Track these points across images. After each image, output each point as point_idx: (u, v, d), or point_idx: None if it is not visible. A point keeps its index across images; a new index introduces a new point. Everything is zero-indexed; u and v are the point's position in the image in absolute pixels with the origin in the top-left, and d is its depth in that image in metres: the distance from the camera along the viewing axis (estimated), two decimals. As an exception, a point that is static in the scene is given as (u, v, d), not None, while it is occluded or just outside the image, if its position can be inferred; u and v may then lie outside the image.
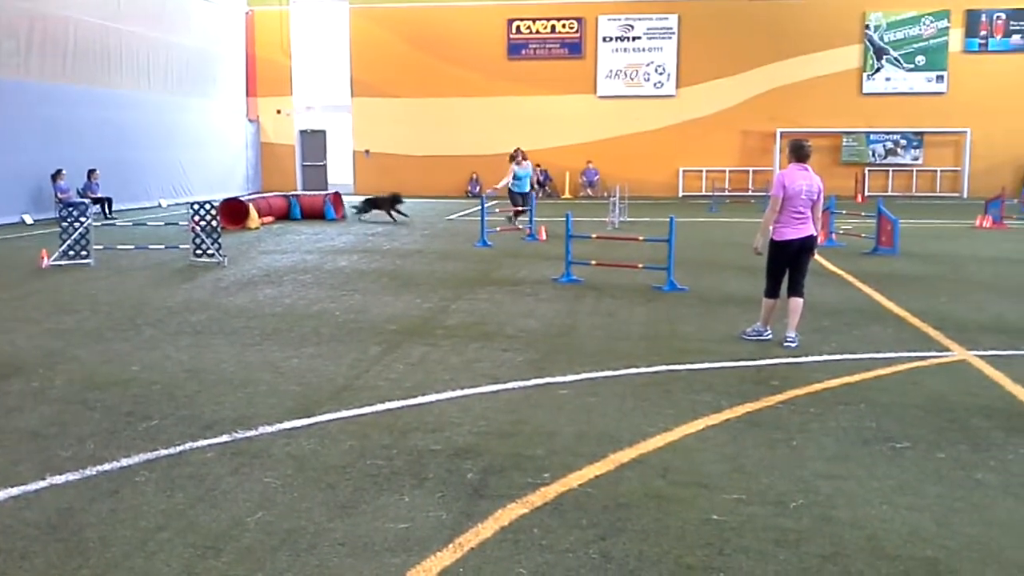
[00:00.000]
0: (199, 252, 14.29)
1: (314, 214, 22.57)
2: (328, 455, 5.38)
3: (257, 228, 20.14)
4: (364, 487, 4.88)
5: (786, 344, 8.21)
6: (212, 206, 14.51)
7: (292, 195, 23.80)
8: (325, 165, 34.92)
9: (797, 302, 8.34)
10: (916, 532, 4.33)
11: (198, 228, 14.21)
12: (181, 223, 15.66)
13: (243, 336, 8.82)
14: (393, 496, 4.76)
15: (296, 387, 6.91)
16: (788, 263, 8.32)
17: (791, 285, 8.36)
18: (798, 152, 8.35)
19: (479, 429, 5.86)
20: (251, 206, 20.58)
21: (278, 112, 34.41)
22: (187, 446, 5.53)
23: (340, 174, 34.57)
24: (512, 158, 19.31)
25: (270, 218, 21.64)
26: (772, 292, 8.41)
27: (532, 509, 4.58)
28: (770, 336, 8.46)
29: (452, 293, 11.35)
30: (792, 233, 8.21)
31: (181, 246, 14.80)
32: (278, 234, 18.92)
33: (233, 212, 20.15)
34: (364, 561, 4.03)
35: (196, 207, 14.44)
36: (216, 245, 14.22)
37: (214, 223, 14.32)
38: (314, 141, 34.94)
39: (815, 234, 8.32)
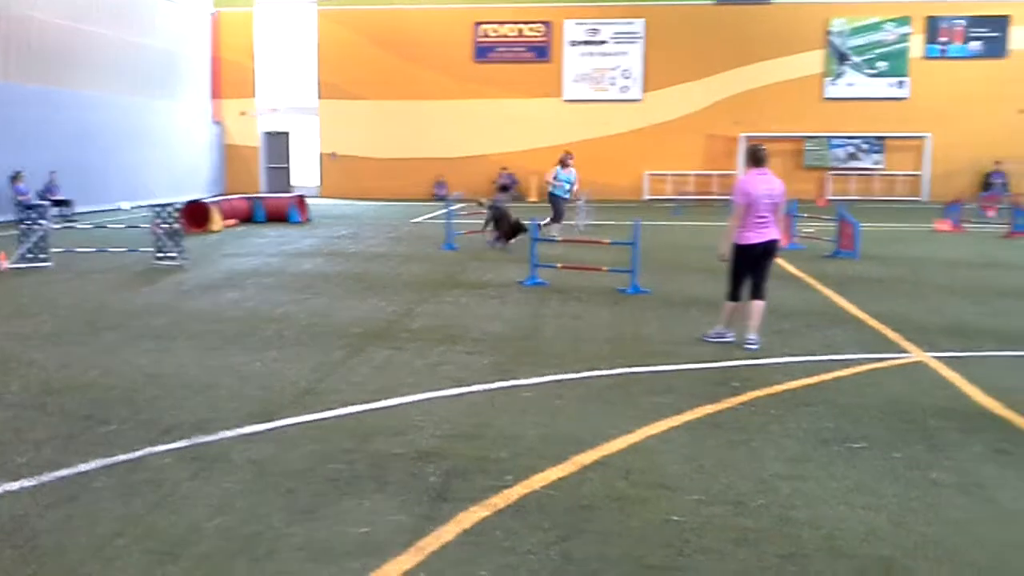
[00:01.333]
0: (161, 255, 14.14)
1: (278, 217, 22.42)
2: (289, 460, 5.34)
3: (220, 231, 19.97)
4: (324, 492, 4.86)
5: (747, 346, 8.28)
6: (175, 208, 14.36)
7: (256, 197, 23.63)
8: (288, 168, 34.71)
9: (758, 305, 8.42)
10: (873, 531, 4.39)
11: (160, 231, 14.06)
12: (143, 225, 15.49)
13: (204, 340, 8.74)
14: (354, 500, 4.74)
15: (257, 391, 6.86)
16: (750, 266, 8.39)
17: (753, 288, 8.44)
18: (755, 157, 8.44)
19: (442, 432, 5.85)
20: (214, 208, 20.40)
21: (241, 114, 34.15)
22: (146, 451, 5.47)
23: (305, 176, 34.38)
24: (562, 162, 18.34)
25: (233, 221, 21.46)
26: (734, 295, 8.49)
27: (494, 511, 4.59)
28: (732, 338, 8.54)
29: (417, 296, 11.33)
30: (755, 237, 8.29)
31: (143, 249, 14.64)
32: (241, 237, 18.77)
33: (196, 214, 19.95)
34: (323, 566, 4.01)
35: (158, 209, 14.28)
36: (178, 248, 14.08)
37: (176, 226, 14.18)
38: (278, 143, 34.73)
39: (777, 238, 8.40)
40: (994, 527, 4.45)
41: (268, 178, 34.66)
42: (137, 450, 5.48)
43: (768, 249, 8.35)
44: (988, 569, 4.00)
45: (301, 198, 23.39)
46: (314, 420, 6.13)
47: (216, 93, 33.99)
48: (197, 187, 31.42)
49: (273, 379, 7.23)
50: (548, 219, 18.04)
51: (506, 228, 16.30)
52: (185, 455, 5.42)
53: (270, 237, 18.72)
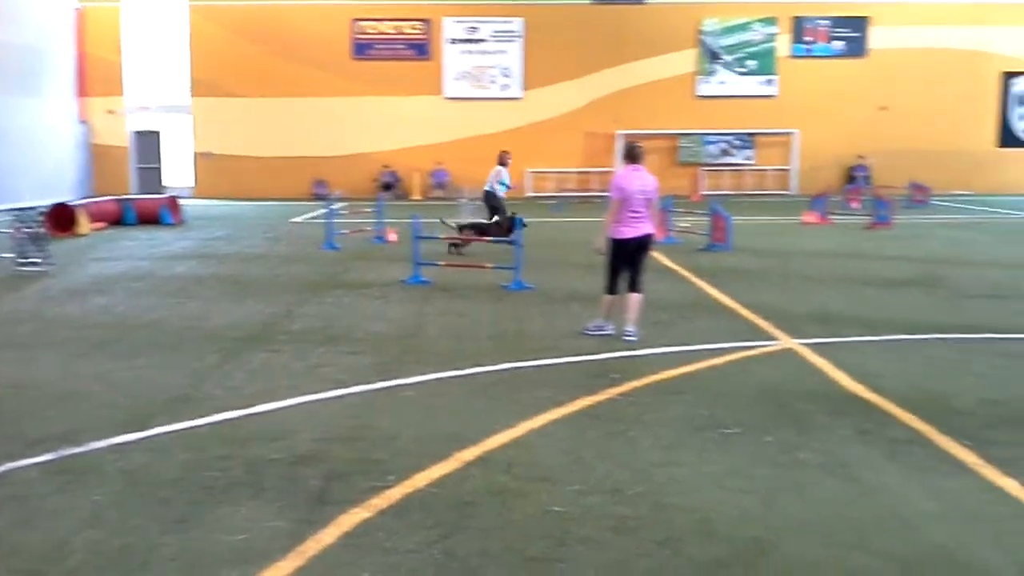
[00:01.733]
0: (23, 261, 13.46)
1: (149, 219, 21.63)
2: (161, 469, 5.17)
3: (88, 234, 19.16)
4: (200, 500, 4.73)
5: (626, 338, 8.46)
6: (39, 212, 13.69)
7: (126, 199, 22.74)
8: (160, 168, 33.54)
9: (636, 298, 8.61)
10: (745, 513, 4.55)
11: (22, 235, 13.39)
12: (4, 230, 14.72)
13: (71, 347, 8.38)
14: (230, 508, 4.62)
15: (128, 399, 6.62)
16: (626, 260, 8.57)
17: (630, 282, 8.62)
18: (631, 154, 8.65)
19: (322, 435, 5.77)
20: (81, 211, 19.55)
21: (109, 112, 32.82)
22: (9, 466, 5.21)
23: (178, 176, 33.28)
24: (502, 161, 17.91)
25: (102, 224, 20.60)
26: (612, 288, 8.65)
27: (376, 513, 4.55)
28: (611, 331, 8.70)
29: (296, 297, 11.13)
30: (630, 232, 8.47)
31: (4, 255, 13.91)
32: (110, 240, 18.05)
33: (61, 218, 19.08)
34: (199, 575, 3.90)
35: (18, 213, 13.60)
36: (43, 253, 13.44)
37: (41, 230, 13.53)
38: (148, 143, 33.50)
39: (651, 232, 8.60)
40: (858, 504, 4.67)
41: (138, 179, 33.40)
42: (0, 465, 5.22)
43: (643, 243, 8.54)
44: (853, 545, 4.20)
45: (174, 199, 22.64)
46: (188, 428, 5.95)
47: (82, 91, 32.53)
48: (63, 189, 29.99)
49: (144, 386, 6.98)
50: (495, 219, 17.31)
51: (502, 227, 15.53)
52: (52, 468, 5.18)
53: (141, 240, 18.06)
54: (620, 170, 8.69)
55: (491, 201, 17.79)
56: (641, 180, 8.46)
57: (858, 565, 3.99)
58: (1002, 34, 32.44)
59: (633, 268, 8.61)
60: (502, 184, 17.91)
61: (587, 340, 8.57)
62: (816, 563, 4.01)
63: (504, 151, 18.46)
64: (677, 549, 4.14)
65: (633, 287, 8.62)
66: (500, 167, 18.04)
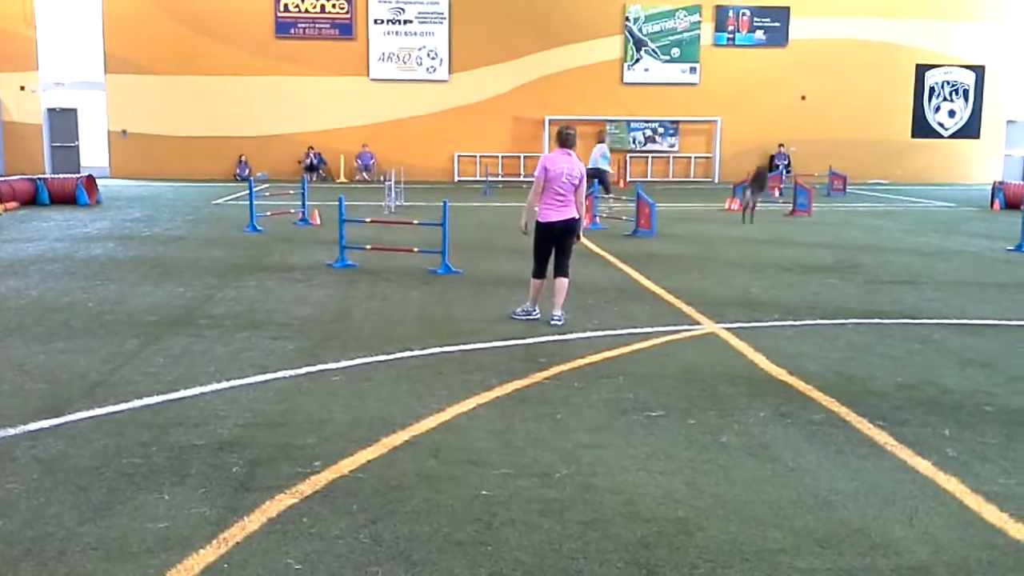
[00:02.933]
0: (-71, 241, 12.94)
1: (65, 199, 20.97)
2: (79, 456, 5.03)
3: (-1, 215, 18.50)
4: (119, 488, 4.62)
5: (553, 322, 8.51)
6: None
7: (39, 178, 21.98)
8: (77, 146, 32.49)
9: (562, 282, 8.66)
10: (669, 495, 4.63)
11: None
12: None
13: (-19, 332, 8.09)
14: (152, 495, 4.53)
15: (43, 385, 6.42)
16: (552, 244, 8.61)
17: (556, 266, 8.67)
18: (561, 139, 8.68)
19: (246, 421, 5.68)
20: (-9, 191, 18.85)
21: (22, 88, 31.63)
22: (-87, 455, 5.01)
23: (95, 156, 32.27)
24: (601, 139, 21.50)
25: (14, 204, 19.90)
26: (539, 272, 8.69)
27: (302, 499, 4.50)
28: (538, 316, 8.74)
29: (218, 281, 10.92)
30: (555, 215, 8.51)
31: (-93, 235, 13.35)
32: (23, 221, 17.44)
33: (-30, 197, 18.39)
34: (119, 564, 3.82)
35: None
36: (-51, 233, 12.93)
37: (-54, 209, 13.01)
38: (64, 120, 32.40)
39: (576, 216, 8.65)
40: (778, 485, 4.78)
41: (53, 158, 32.31)
42: (-98, 454, 5.01)
43: (568, 227, 8.59)
44: (772, 524, 4.30)
45: (90, 178, 21.98)
46: (107, 414, 5.80)
47: (-10, 65, 31.29)
48: (-29, 167, 28.91)
49: (60, 372, 6.78)
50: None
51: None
52: (-40, 457, 5.00)
53: (56, 220, 17.50)
54: (550, 153, 8.71)
55: (601, 176, 20.61)
56: (568, 164, 8.50)
57: (777, 543, 4.10)
58: (916, 27, 33.41)
59: (560, 252, 8.65)
60: (604, 158, 21.01)
61: (515, 324, 8.60)
62: (737, 541, 4.10)
63: (601, 129, 20.72)
64: (603, 531, 4.19)
65: (560, 271, 8.67)
66: (601, 144, 21.18)
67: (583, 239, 9.02)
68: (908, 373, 7.04)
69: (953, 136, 34.53)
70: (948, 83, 34.14)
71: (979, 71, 34.17)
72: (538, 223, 8.58)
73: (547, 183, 8.44)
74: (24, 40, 31.40)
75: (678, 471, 4.95)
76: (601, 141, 21.66)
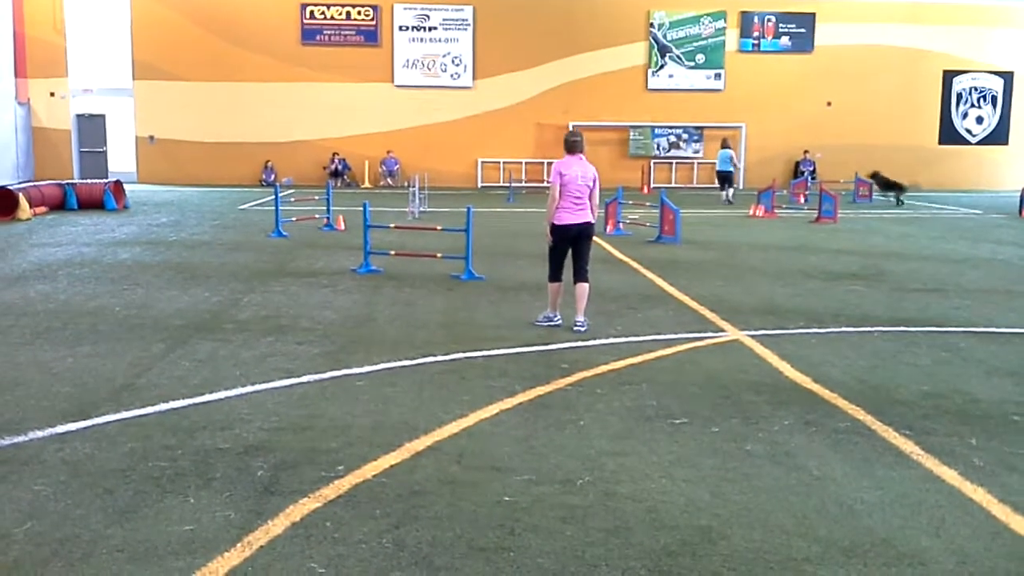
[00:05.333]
0: (-40, 245, 13.12)
1: (92, 204, 21.20)
2: (106, 459, 5.09)
3: (28, 219, 18.71)
4: (145, 490, 4.66)
5: (576, 328, 8.51)
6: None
7: (68, 183, 22.24)
8: (105, 152, 32.84)
9: (583, 287, 8.67)
10: (692, 502, 4.61)
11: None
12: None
13: (11, 335, 8.19)
14: (177, 498, 4.57)
15: (71, 388, 6.50)
16: (568, 246, 8.64)
17: (576, 271, 8.69)
18: (568, 146, 8.72)
19: (271, 425, 5.72)
20: (21, 195, 19.08)
21: (51, 95, 32.02)
22: (-56, 456, 5.08)
23: (122, 161, 32.60)
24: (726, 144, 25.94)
25: (43, 208, 20.15)
26: (555, 276, 8.74)
27: (325, 503, 4.53)
28: (560, 321, 8.74)
29: (244, 286, 11.00)
30: (570, 218, 8.55)
31: (-61, 239, 13.55)
32: (52, 225, 17.66)
33: (1, 202, 18.62)
34: (145, 567, 3.85)
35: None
36: (-20, 238, 13.11)
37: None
38: (93, 126, 32.76)
39: (592, 220, 8.69)
40: (802, 493, 4.75)
41: (82, 163, 32.67)
42: (-66, 456, 5.08)
43: (584, 231, 8.63)
44: (796, 533, 4.28)
45: (118, 183, 22.21)
46: (133, 417, 5.86)
47: (20, 72, 31.68)
48: (2, 173, 29.28)
49: (88, 375, 6.85)
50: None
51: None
52: (-11, 459, 5.07)
53: (84, 225, 17.70)
54: (561, 160, 8.72)
55: (728, 178, 25.48)
56: (582, 168, 8.55)
57: (801, 552, 4.07)
58: (943, 33, 33.15)
59: (577, 257, 8.68)
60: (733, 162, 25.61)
61: (537, 330, 8.60)
62: (761, 550, 4.08)
63: (726, 136, 26.46)
64: (626, 538, 4.19)
65: (580, 277, 8.67)
66: (729, 150, 25.56)
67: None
68: (934, 382, 6.97)
69: (981, 143, 34.21)
70: (976, 89, 33.83)
71: (1007, 77, 33.85)
72: (554, 225, 8.60)
73: (563, 187, 8.48)
74: (54, 47, 31.79)
75: (702, 479, 4.93)
76: (726, 147, 25.99)
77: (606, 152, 32.58)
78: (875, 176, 26.07)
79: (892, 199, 25.64)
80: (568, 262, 8.70)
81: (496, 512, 4.44)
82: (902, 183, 25.47)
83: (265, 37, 31.73)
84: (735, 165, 26.34)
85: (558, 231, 8.58)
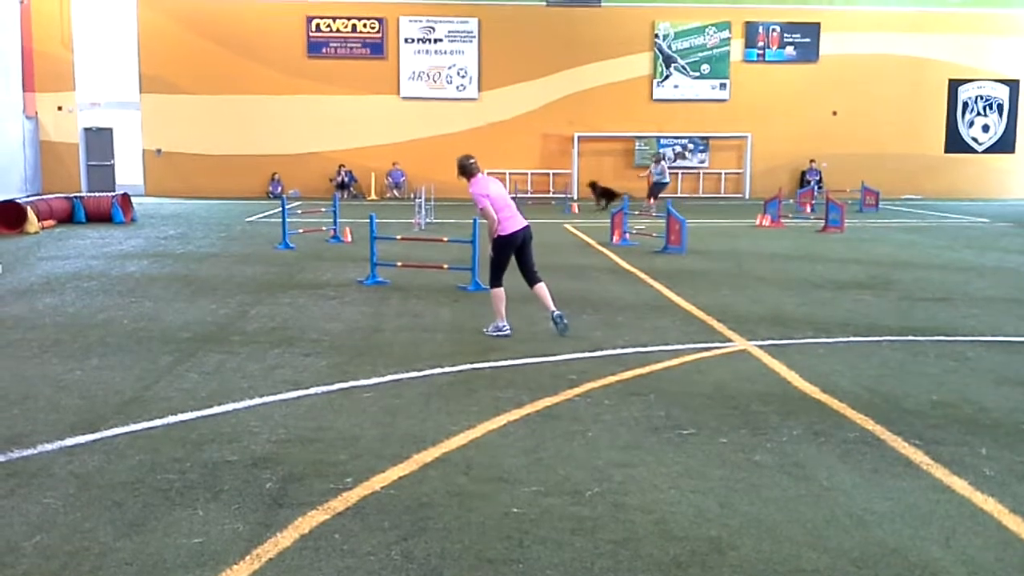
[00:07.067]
0: (-31, 259, 13.18)
1: (100, 217, 21.29)
2: (114, 471, 5.09)
3: (36, 232, 18.80)
4: (154, 503, 4.66)
5: (557, 322, 8.78)
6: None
7: (76, 197, 22.34)
8: (113, 165, 32.99)
9: (541, 287, 9.06)
10: (701, 513, 4.60)
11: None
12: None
13: (20, 348, 8.21)
14: (186, 511, 4.57)
15: (79, 401, 6.51)
16: (512, 253, 8.95)
17: (529, 276, 9.09)
18: (471, 168, 9.09)
19: (279, 437, 5.72)
20: (29, 209, 19.17)
21: (59, 109, 32.18)
22: (-47, 470, 5.10)
23: (130, 174, 32.75)
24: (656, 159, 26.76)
25: (51, 222, 20.24)
26: (499, 281, 8.96)
27: (333, 515, 4.53)
28: (509, 332, 8.85)
29: (251, 298, 11.02)
30: (514, 226, 8.92)
31: (-53, 253, 13.60)
32: (60, 239, 17.72)
33: (9, 215, 18.72)
34: (154, 580, 3.85)
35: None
36: (-12, 251, 13.16)
37: (-14, 227, 13.25)
38: (100, 139, 32.94)
39: (529, 224, 9.08)
40: (811, 504, 4.74)
41: (89, 176, 32.82)
42: (-57, 469, 5.09)
43: (528, 234, 9.02)
44: (806, 544, 4.26)
45: (126, 196, 22.31)
46: (141, 429, 5.86)
47: (28, 86, 31.88)
48: (10, 186, 29.43)
49: (96, 388, 6.87)
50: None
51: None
52: (0, 471, 5.08)
53: (92, 238, 17.76)
54: (474, 183, 9.01)
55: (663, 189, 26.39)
56: (495, 183, 9.10)
57: (811, 563, 4.06)
58: (948, 42, 33.17)
59: (527, 260, 9.05)
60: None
61: (544, 341, 8.60)
62: (771, 561, 4.07)
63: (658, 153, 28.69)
64: (635, 549, 4.17)
65: (535, 279, 9.08)
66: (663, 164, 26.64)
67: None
68: (943, 391, 6.95)
69: (987, 151, 34.17)
70: (982, 98, 33.83)
71: (1013, 85, 33.86)
72: (501, 236, 8.88)
73: (493, 203, 8.84)
74: (62, 62, 32.00)
75: (710, 490, 4.91)
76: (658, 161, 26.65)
77: (611, 162, 32.65)
78: (592, 185, 26.82)
79: (603, 206, 25.67)
80: (513, 270, 9.02)
81: (504, 524, 4.44)
82: (614, 190, 25.94)
83: (271, 50, 31.89)
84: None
85: (508, 240, 8.90)
